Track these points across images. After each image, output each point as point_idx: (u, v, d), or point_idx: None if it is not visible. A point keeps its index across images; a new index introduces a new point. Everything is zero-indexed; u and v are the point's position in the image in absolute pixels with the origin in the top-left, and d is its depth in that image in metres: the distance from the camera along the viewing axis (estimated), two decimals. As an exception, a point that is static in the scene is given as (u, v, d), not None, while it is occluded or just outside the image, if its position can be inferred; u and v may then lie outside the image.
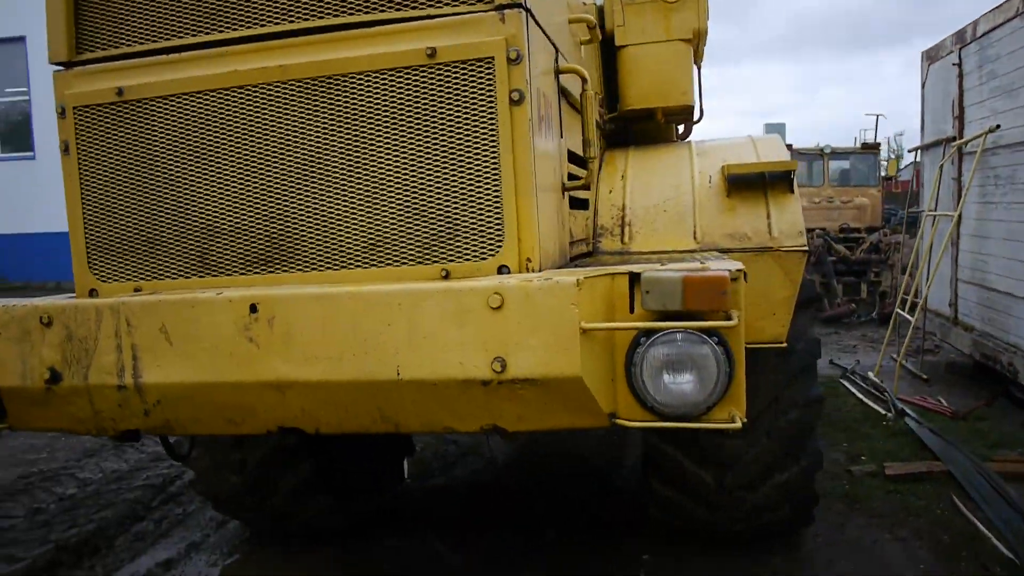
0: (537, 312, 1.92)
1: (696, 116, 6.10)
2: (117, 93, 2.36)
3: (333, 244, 2.26)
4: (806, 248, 3.28)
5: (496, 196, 2.12)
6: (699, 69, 5.55)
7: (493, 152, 2.11)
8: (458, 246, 2.16)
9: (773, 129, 22.41)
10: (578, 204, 3.16)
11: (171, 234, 2.38)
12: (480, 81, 2.10)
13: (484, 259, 2.14)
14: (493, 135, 2.10)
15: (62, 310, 2.21)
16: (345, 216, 2.24)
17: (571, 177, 2.93)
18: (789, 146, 15.73)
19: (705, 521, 3.84)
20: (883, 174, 15.94)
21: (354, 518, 4.69)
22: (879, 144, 15.21)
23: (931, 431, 5.72)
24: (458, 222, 2.16)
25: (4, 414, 2.39)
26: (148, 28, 2.36)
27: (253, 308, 2.10)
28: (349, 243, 2.24)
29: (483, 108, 2.11)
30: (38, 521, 5.01)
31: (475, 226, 2.15)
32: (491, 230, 2.13)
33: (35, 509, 5.21)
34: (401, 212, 2.19)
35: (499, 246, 2.12)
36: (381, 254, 2.22)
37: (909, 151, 11.85)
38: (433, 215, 2.17)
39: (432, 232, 2.18)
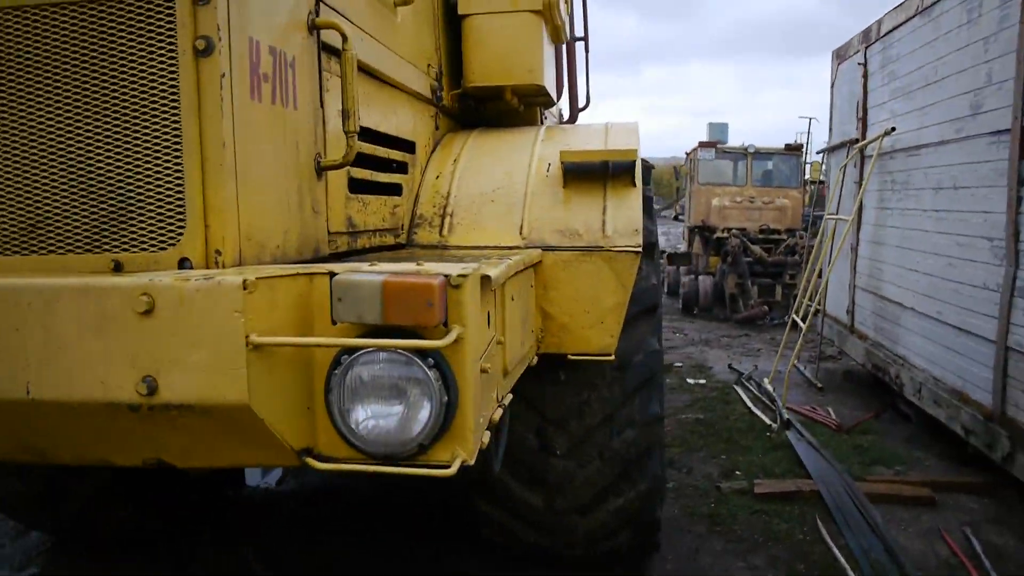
0: (194, 321, 1.49)
1: (582, 102, 5.78)
2: None
3: (5, 223, 1.79)
4: (639, 249, 2.92)
5: (177, 172, 1.68)
6: (567, 49, 5.18)
7: (175, 116, 1.67)
8: (133, 232, 1.72)
9: (716, 129, 22.18)
10: (375, 188, 2.73)
11: None
12: (161, 24, 1.66)
13: (164, 249, 1.70)
14: (175, 94, 1.66)
15: None
16: (15, 186, 1.77)
17: (360, 158, 2.50)
18: (715, 144, 15.54)
19: (538, 545, 3.47)
20: (807, 177, 15.92)
21: (172, 527, 4.22)
22: (801, 146, 15.11)
23: (810, 445, 5.48)
24: (133, 202, 1.71)
25: None
26: None
27: None
28: (4, 223, 1.78)
29: (163, 59, 1.66)
30: None
31: (153, 208, 1.70)
32: (171, 214, 1.69)
33: None
34: (66, 187, 1.74)
35: (180, 234, 1.69)
36: (42, 238, 1.76)
37: (817, 153, 11.75)
38: (104, 192, 1.72)
39: (102, 213, 1.73)
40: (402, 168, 3.06)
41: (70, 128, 1.72)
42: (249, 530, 4.30)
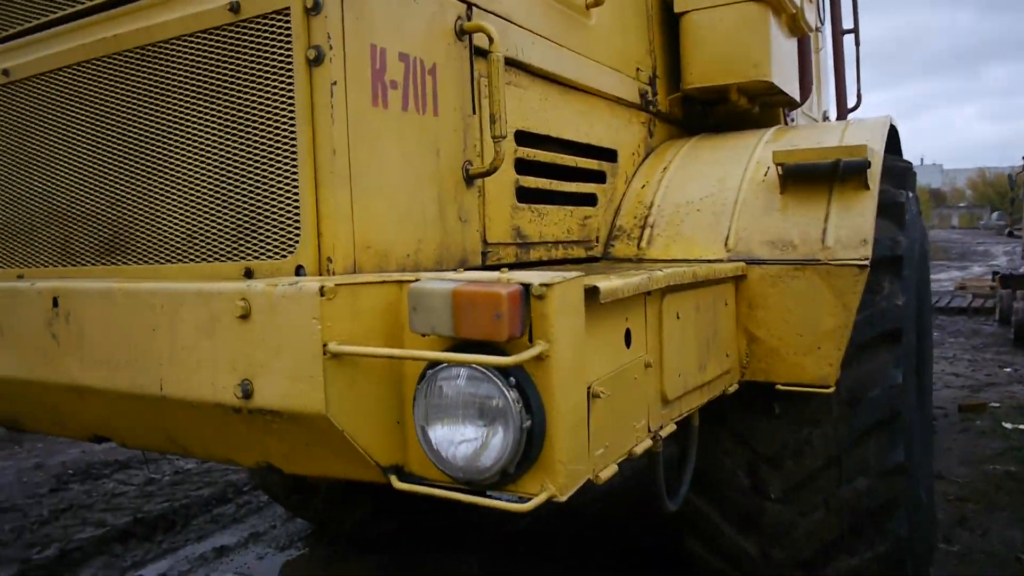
0: (281, 326, 1.49)
1: (853, 102, 5.13)
2: (4, 74, 2.26)
3: (159, 234, 1.97)
4: (865, 263, 2.45)
5: (293, 180, 1.70)
6: (834, 44, 4.58)
7: (291, 126, 1.70)
8: (262, 241, 1.78)
9: None
10: (555, 198, 2.60)
11: (39, 221, 2.24)
12: (279, 38, 1.70)
13: (284, 257, 1.73)
14: (291, 105, 1.69)
15: None
16: (166, 204, 1.94)
17: (522, 164, 2.40)
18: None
19: (758, 599, 3.06)
20: None
21: (410, 526, 4.44)
22: None
23: None
24: (260, 212, 1.77)
25: None
26: (28, 6, 2.24)
27: (55, 302, 1.88)
28: (171, 234, 1.94)
29: (283, 71, 1.70)
30: (146, 491, 5.32)
31: (276, 217, 1.74)
32: (289, 222, 1.72)
33: (150, 479, 5.56)
34: (211, 201, 1.85)
35: (296, 242, 1.71)
36: (196, 248, 1.90)
37: None
38: (239, 203, 1.81)
39: (237, 224, 1.81)
40: (598, 177, 2.90)
41: (215, 144, 1.83)
42: (477, 540, 4.37)
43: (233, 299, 1.54)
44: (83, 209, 2.12)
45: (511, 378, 1.39)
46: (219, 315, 1.56)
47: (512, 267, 2.33)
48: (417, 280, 1.47)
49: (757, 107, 3.60)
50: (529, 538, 4.44)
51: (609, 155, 2.96)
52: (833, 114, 5.24)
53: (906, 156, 3.40)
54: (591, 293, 1.55)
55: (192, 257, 1.90)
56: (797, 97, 3.73)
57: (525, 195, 2.41)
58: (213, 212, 1.85)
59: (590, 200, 2.83)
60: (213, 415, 1.63)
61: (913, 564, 2.90)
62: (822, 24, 5.19)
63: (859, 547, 2.79)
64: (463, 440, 1.43)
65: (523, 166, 2.41)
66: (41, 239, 2.24)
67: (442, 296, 1.39)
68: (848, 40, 5.33)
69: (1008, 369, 9.36)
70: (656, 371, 1.96)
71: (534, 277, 1.42)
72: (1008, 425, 6.58)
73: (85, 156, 2.11)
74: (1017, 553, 4.02)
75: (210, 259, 1.87)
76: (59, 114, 2.15)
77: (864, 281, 2.47)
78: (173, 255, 1.94)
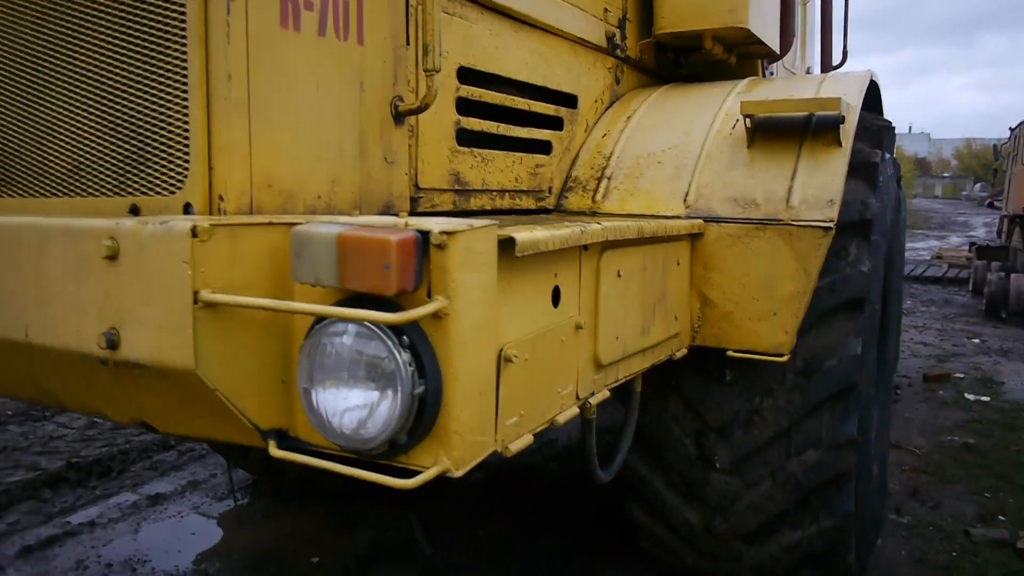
0: (150, 270, 1.30)
1: (838, 58, 4.92)
2: None
3: (45, 165, 1.76)
4: (829, 225, 2.29)
5: (183, 109, 1.49)
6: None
7: (182, 45, 1.48)
8: (149, 174, 1.57)
9: None
10: (502, 143, 2.41)
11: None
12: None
13: (172, 193, 1.53)
14: (182, 21, 1.47)
15: None
16: (54, 130, 1.73)
17: (465, 104, 2.19)
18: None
19: (700, 570, 2.97)
20: None
21: (349, 482, 4.31)
22: None
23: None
24: (148, 141, 1.56)
25: None
26: None
27: None
28: (57, 164, 1.73)
29: (173, -20, 1.48)
30: (86, 435, 5.15)
31: (165, 149, 1.54)
32: (178, 154, 1.52)
33: (91, 423, 5.38)
34: (99, 126, 1.64)
35: (184, 176, 1.50)
36: (83, 180, 1.69)
37: None
38: (126, 131, 1.60)
39: (124, 155, 1.61)
40: (554, 123, 2.69)
41: (101, 64, 1.61)
42: (421, 499, 4.25)
43: (100, 237, 1.34)
44: None
45: (404, 337, 1.22)
46: (87, 255, 1.37)
47: (446, 215, 2.15)
48: (304, 224, 1.29)
49: (734, 57, 3.40)
50: (479, 489, 4.33)
51: (568, 100, 2.76)
52: (817, 71, 5.03)
53: (894, 124, 3.22)
54: (506, 245, 1.37)
55: (77, 191, 1.70)
56: (777, 48, 3.52)
57: (467, 138, 2.21)
58: (99, 142, 1.64)
59: (544, 147, 2.63)
60: (81, 366, 1.46)
61: (858, 538, 2.81)
62: (809, -26, 4.96)
63: (803, 521, 2.69)
64: (348, 406, 1.26)
65: (467, 106, 2.21)
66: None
67: (326, 242, 1.21)
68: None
69: (976, 340, 9.35)
70: (589, 333, 1.80)
71: (436, 224, 1.24)
72: (970, 396, 6.54)
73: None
74: (966, 527, 3.97)
75: (96, 193, 1.67)
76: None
77: (827, 245, 2.31)
78: (59, 188, 1.73)
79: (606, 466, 2.28)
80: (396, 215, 1.40)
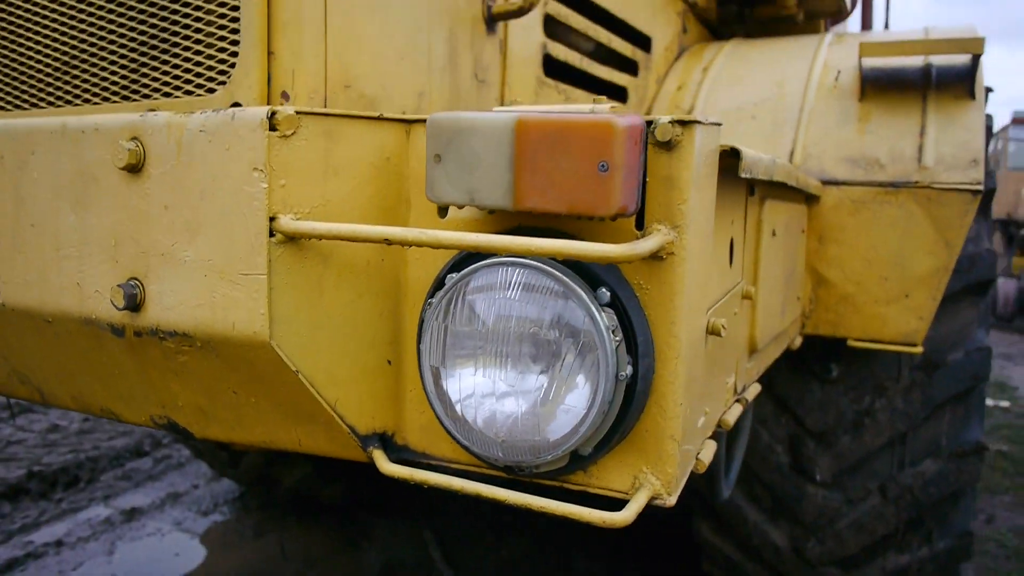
0: (198, 186, 0.85)
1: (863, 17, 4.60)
2: None
3: (20, 68, 1.28)
4: (979, 187, 1.90)
5: None
6: None
7: None
8: (175, 66, 1.11)
9: None
10: (585, 82, 1.98)
11: None
12: None
13: (212, 92, 1.07)
14: None
15: None
16: (31, 20, 1.25)
17: (552, 25, 1.76)
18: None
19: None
20: None
21: (355, 492, 3.83)
22: None
23: None
24: (173, 24, 1.10)
25: None
26: None
27: None
28: (37, 65, 1.26)
29: None
30: (48, 440, 4.59)
31: (199, 32, 1.08)
32: (221, 38, 1.06)
33: (54, 426, 4.81)
34: (98, 25, 1.17)
35: (231, 67, 1.05)
36: (75, 86, 1.22)
37: None
38: (139, 25, 1.13)
39: (138, 53, 1.14)
40: (631, 67, 2.28)
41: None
42: (433, 513, 3.79)
43: (111, 139, 0.89)
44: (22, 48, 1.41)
45: (603, 290, 0.79)
46: (92, 168, 0.91)
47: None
48: (444, 113, 0.84)
49: (802, 13, 3.02)
50: (486, 506, 3.88)
51: (644, 42, 2.35)
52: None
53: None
54: (730, 157, 0.94)
55: (68, 98, 1.22)
56: (848, 5, 3.15)
57: (553, 68, 1.78)
58: (99, 24, 1.17)
59: (620, 94, 2.22)
60: (80, 338, 0.99)
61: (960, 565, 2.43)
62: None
63: (913, 543, 2.30)
64: (509, 393, 0.82)
65: (554, 28, 1.78)
66: None
67: (496, 131, 0.76)
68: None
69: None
70: (751, 306, 1.38)
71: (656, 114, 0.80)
72: (990, 402, 6.28)
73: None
74: (1034, 542, 3.64)
75: (95, 100, 1.19)
76: None
77: (974, 212, 1.92)
78: (41, 96, 1.26)
79: (724, 479, 1.86)
80: None
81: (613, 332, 0.78)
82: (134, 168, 0.89)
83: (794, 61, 2.40)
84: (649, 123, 0.77)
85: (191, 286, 0.86)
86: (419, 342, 0.88)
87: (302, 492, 3.70)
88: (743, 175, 0.99)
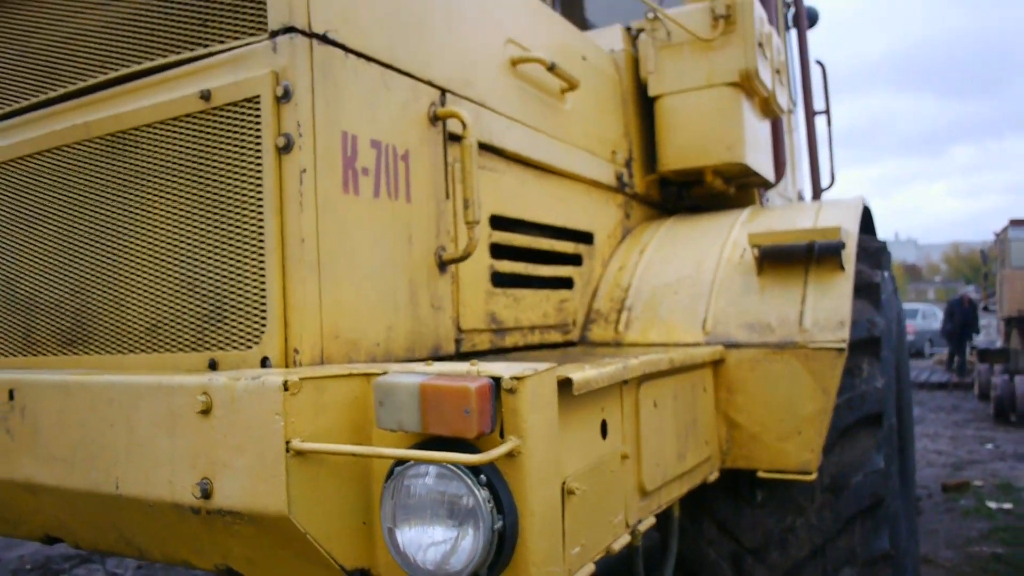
0: (242, 423, 1.42)
1: (826, 182, 5.23)
2: (-27, 159, 2.23)
3: (123, 324, 1.92)
4: (842, 346, 2.43)
5: (260, 269, 1.66)
6: (807, 124, 4.65)
7: (259, 214, 1.67)
8: (227, 331, 1.72)
9: None
10: (532, 282, 2.58)
11: (4, 307, 2.18)
12: (250, 126, 1.68)
13: (250, 348, 1.68)
14: (259, 192, 1.67)
15: None
16: (133, 291, 1.89)
17: (497, 249, 2.38)
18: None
19: None
20: None
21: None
22: None
23: None
24: (226, 301, 1.72)
25: None
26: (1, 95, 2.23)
27: (11, 395, 1.80)
28: (135, 323, 1.89)
29: (251, 159, 1.68)
30: (107, 585, 5.08)
31: (242, 306, 1.70)
32: (256, 312, 1.67)
33: (111, 573, 5.31)
34: (178, 288, 1.81)
35: (262, 332, 1.66)
36: (161, 337, 1.84)
37: None
38: (205, 292, 1.76)
39: (203, 313, 1.76)
40: (574, 260, 2.89)
41: (182, 231, 1.80)
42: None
43: (194, 393, 1.48)
44: (46, 297, 2.07)
45: (482, 476, 1.34)
46: (179, 410, 1.50)
47: (486, 354, 2.30)
48: (384, 373, 1.42)
49: (733, 188, 3.64)
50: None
51: (586, 238, 2.96)
52: (808, 193, 5.32)
53: (880, 232, 3.44)
54: (564, 385, 1.50)
55: (156, 347, 1.84)
56: (771, 178, 3.78)
57: (500, 280, 2.39)
58: (178, 301, 1.80)
59: (566, 284, 2.81)
60: (170, 515, 1.55)
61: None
62: (794, 106, 5.33)
63: (847, 641, 2.69)
64: (432, 543, 1.36)
65: (499, 250, 2.40)
66: (2, 327, 2.18)
67: (409, 391, 1.34)
68: (821, 121, 5.48)
69: (989, 446, 9.34)
70: (634, 462, 1.91)
71: (504, 369, 1.37)
72: (992, 504, 6.50)
73: (49, 243, 2.07)
74: (1011, 642, 3.90)
75: (174, 350, 1.81)
76: (24, 200, 2.12)
77: (843, 364, 2.44)
78: (137, 345, 1.88)
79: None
80: (470, 358, 1.54)
81: (487, 501, 1.32)
82: (206, 411, 1.47)
83: (711, 240, 3.00)
84: (497, 380, 1.34)
85: (241, 484, 1.42)
86: (381, 510, 1.42)
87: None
88: (577, 393, 1.54)
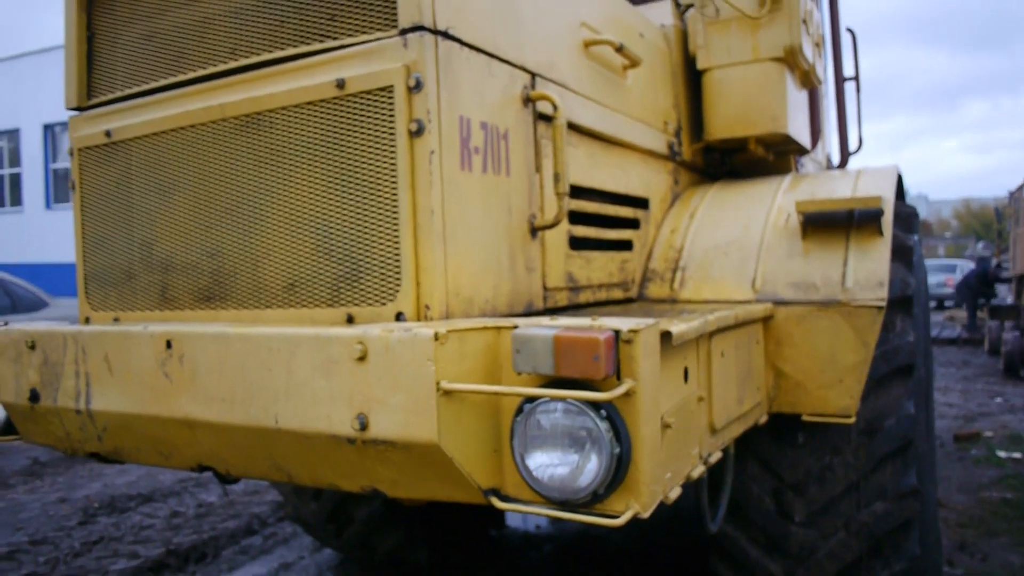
0: (397, 367, 1.70)
1: (854, 146, 5.44)
2: (106, 135, 2.49)
3: (260, 283, 2.19)
4: (882, 303, 2.70)
5: (394, 237, 1.93)
6: (836, 91, 4.85)
7: (393, 189, 1.93)
8: (362, 289, 2.00)
9: None
10: (600, 245, 2.85)
11: (141, 268, 2.46)
12: (383, 112, 1.94)
13: (384, 304, 1.96)
14: (393, 170, 1.93)
15: (41, 336, 2.35)
16: (270, 254, 2.17)
17: (574, 216, 2.64)
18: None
19: (780, 618, 3.26)
20: None
21: (440, 556, 4.60)
22: None
23: None
24: (361, 263, 1.99)
25: (14, 428, 2.59)
26: (130, 74, 2.48)
27: (168, 344, 2.09)
28: (272, 282, 2.17)
29: (385, 141, 1.94)
30: (173, 524, 5.46)
31: (376, 268, 1.97)
32: (390, 273, 1.95)
33: (174, 512, 5.70)
34: (314, 252, 2.08)
35: (397, 291, 1.93)
36: (298, 295, 2.12)
37: None
38: (341, 255, 2.03)
39: (339, 273, 2.04)
40: (633, 224, 3.15)
41: (318, 203, 2.06)
42: (506, 570, 4.54)
43: (351, 343, 1.76)
44: (183, 259, 2.34)
45: (602, 411, 1.62)
46: (337, 357, 1.78)
47: (566, 309, 2.58)
48: (515, 327, 1.70)
49: (772, 155, 3.88)
50: (555, 564, 4.62)
51: (643, 203, 3.21)
52: (836, 157, 5.53)
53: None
54: (665, 337, 1.78)
55: (293, 304, 2.12)
56: (809, 146, 4.01)
57: (576, 243, 2.65)
58: (314, 263, 2.08)
59: (627, 246, 3.08)
60: (326, 446, 1.84)
61: (925, 583, 3.11)
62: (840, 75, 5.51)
63: (877, 566, 3.00)
64: (560, 464, 1.65)
65: (575, 217, 2.66)
66: (140, 286, 2.46)
67: (544, 341, 1.62)
68: (850, 86, 5.65)
69: (999, 399, 9.64)
70: (707, 404, 2.19)
71: (620, 324, 1.65)
72: (1002, 454, 6.82)
73: (185, 210, 2.33)
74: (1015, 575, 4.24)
75: (310, 305, 2.09)
76: (160, 173, 2.38)
77: (881, 320, 2.71)
78: (274, 301, 2.16)
79: (713, 520, 2.63)
80: (538, 315, 1.80)
81: (608, 431, 1.61)
82: (362, 358, 1.75)
83: (757, 205, 3.25)
84: (617, 332, 1.61)
85: (395, 418, 1.70)
86: (512, 439, 1.71)
87: (395, 557, 4.48)
88: (674, 344, 1.82)
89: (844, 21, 5.38)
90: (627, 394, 1.62)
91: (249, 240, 2.20)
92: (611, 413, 1.62)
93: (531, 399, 1.68)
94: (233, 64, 2.23)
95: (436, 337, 1.65)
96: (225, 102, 2.21)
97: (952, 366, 13.00)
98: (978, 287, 16.81)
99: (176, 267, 2.37)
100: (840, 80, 5.35)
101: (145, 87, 2.43)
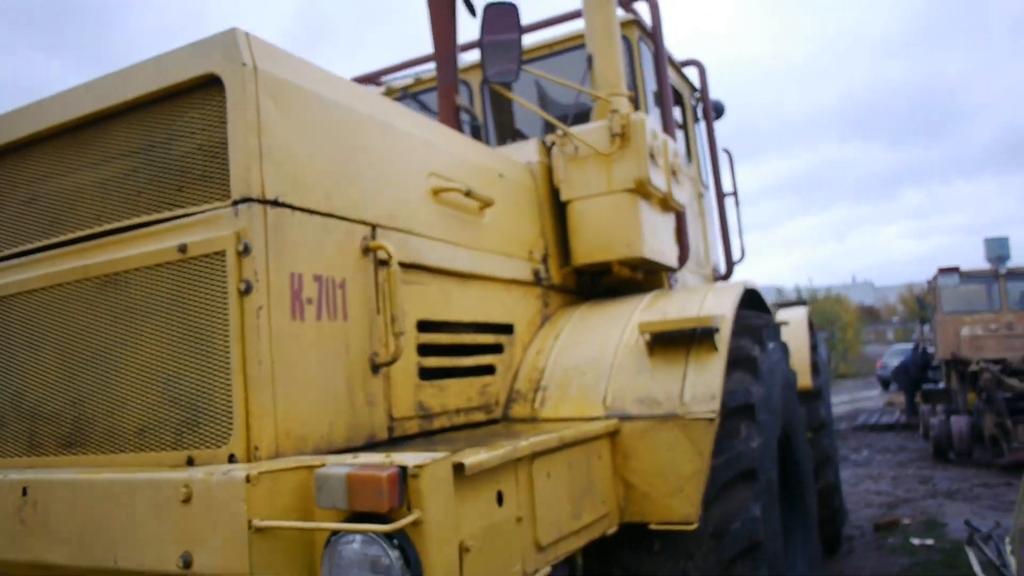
0: (216, 507, 1.89)
1: (737, 256, 5.85)
2: (-16, 291, 2.70)
3: (115, 428, 2.37)
4: (713, 416, 2.96)
5: (227, 385, 2.15)
6: (718, 205, 5.28)
7: (225, 342, 2.16)
8: (201, 434, 2.20)
9: (994, 245, 19.94)
10: (456, 372, 3.09)
11: (12, 416, 2.62)
12: (218, 274, 2.19)
13: (219, 447, 2.15)
14: (226, 325, 2.16)
15: None
16: (124, 402, 2.36)
17: (424, 348, 2.89)
18: (956, 269, 14.13)
19: None
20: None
21: None
22: (1067, 263, 13.39)
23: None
24: (201, 410, 2.20)
25: None
26: (11, 235, 2.72)
27: (24, 491, 2.25)
28: (125, 428, 2.35)
29: (219, 299, 2.18)
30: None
31: (213, 414, 2.18)
32: (224, 418, 2.15)
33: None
34: (161, 400, 2.28)
35: (229, 434, 2.14)
36: (147, 439, 2.30)
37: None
38: (184, 403, 2.24)
39: (182, 419, 2.24)
40: (496, 349, 3.40)
41: (165, 355, 2.28)
42: None
43: (178, 486, 1.95)
44: (49, 407, 2.52)
45: (395, 540, 1.82)
46: (166, 499, 1.97)
47: (416, 437, 2.79)
48: (322, 465, 1.91)
49: (640, 274, 4.21)
50: None
51: (506, 329, 3.48)
52: (722, 267, 5.92)
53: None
54: (459, 468, 2.00)
55: (143, 448, 2.31)
56: (675, 265, 4.36)
57: (428, 374, 2.89)
58: (162, 410, 2.28)
59: (489, 370, 3.32)
60: (158, 582, 2.01)
61: None
62: (706, 189, 5.98)
63: (739, 667, 3.15)
64: None
65: (425, 349, 2.90)
66: (9, 433, 2.62)
67: (339, 479, 1.83)
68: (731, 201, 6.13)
69: (926, 485, 9.90)
70: (529, 523, 2.39)
71: (411, 459, 1.87)
72: (916, 541, 7.03)
73: (53, 362, 2.53)
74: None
75: (157, 449, 2.28)
76: (32, 328, 2.59)
77: (714, 431, 2.97)
78: (127, 446, 2.34)
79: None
80: (380, 446, 2.02)
81: (397, 559, 1.80)
82: (186, 500, 1.94)
83: (613, 326, 3.54)
84: (403, 468, 1.83)
85: (214, 555, 1.88)
86: (321, 571, 1.89)
87: None
88: (468, 474, 2.04)
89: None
90: (415, 523, 1.82)
91: (106, 389, 2.40)
92: (402, 542, 1.82)
93: (336, 532, 1.88)
94: (98, 228, 2.48)
95: (248, 479, 1.86)
96: (88, 263, 2.45)
97: (889, 452, 13.31)
98: (915, 373, 17.33)
99: (42, 415, 2.55)
100: (720, 196, 5.81)
101: (24, 248, 2.66)
